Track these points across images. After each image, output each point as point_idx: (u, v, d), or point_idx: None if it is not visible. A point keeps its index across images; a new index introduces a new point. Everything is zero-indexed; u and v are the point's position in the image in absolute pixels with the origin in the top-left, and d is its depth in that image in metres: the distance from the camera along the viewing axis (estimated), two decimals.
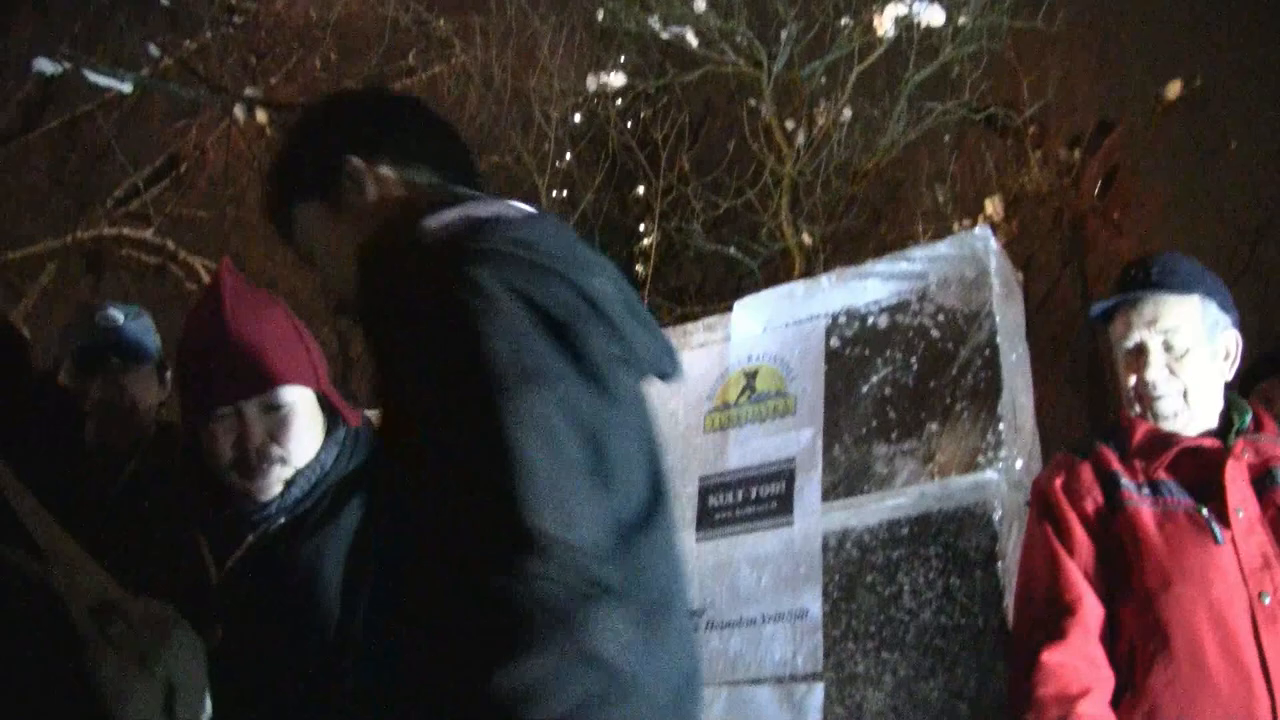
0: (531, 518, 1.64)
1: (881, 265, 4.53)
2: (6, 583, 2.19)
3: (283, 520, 2.73)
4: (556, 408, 1.73)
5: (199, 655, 2.25)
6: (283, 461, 2.71)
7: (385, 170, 2.20)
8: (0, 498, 2.25)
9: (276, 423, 2.71)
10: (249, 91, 10.73)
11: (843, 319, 4.58)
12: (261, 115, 10.32)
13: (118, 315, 3.91)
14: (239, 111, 10.26)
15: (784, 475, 4.48)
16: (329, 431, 2.80)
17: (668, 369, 2.08)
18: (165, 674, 2.18)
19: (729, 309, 4.88)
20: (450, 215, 1.91)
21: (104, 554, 2.26)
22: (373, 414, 2.58)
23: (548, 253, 1.82)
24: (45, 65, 9.08)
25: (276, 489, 2.72)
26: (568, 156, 12.42)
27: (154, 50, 10.29)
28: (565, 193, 12.48)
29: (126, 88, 9.43)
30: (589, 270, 1.86)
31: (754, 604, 4.38)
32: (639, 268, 14.12)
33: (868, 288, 4.55)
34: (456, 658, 1.65)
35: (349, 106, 2.38)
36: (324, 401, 2.79)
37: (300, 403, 2.74)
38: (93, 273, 15.77)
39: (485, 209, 1.93)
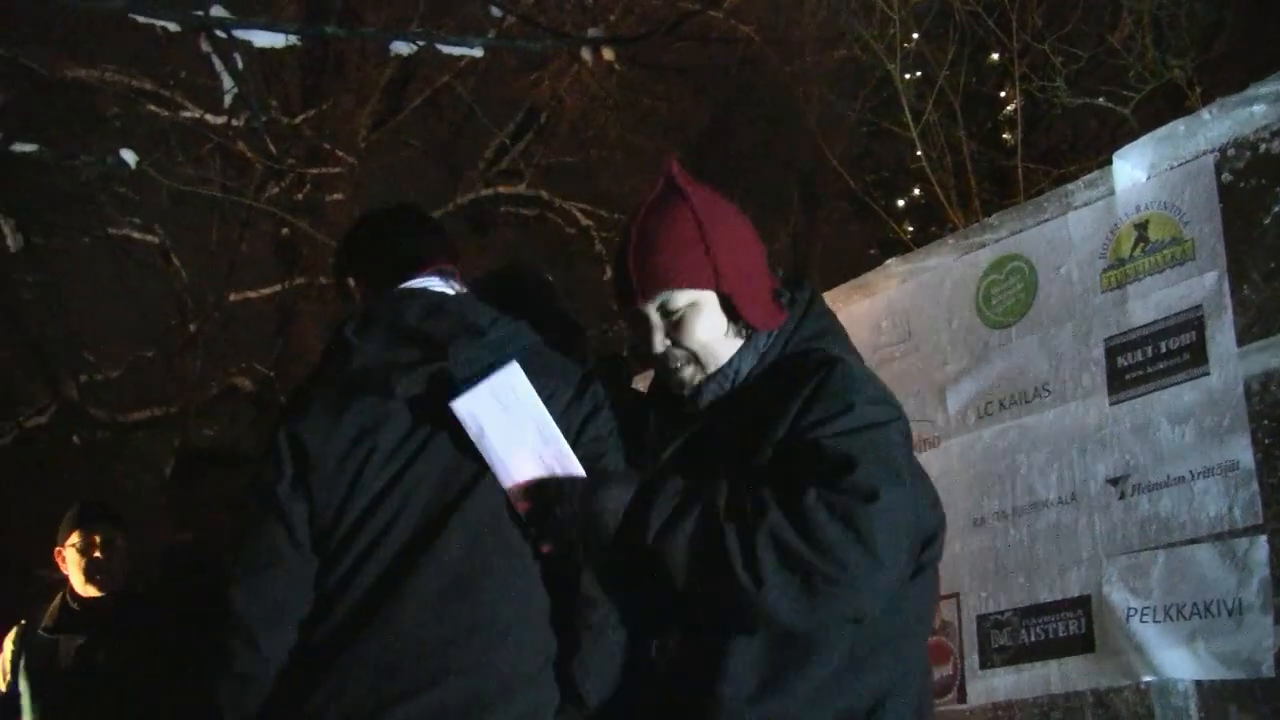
0: None
1: (1266, 87, 4.26)
2: None
3: (699, 427, 2.85)
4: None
5: None
6: (691, 361, 2.80)
7: (361, 284, 3.19)
8: None
9: (673, 325, 2.79)
10: (592, 32, 10.90)
11: (1232, 151, 4.34)
12: (608, 53, 10.47)
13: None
14: (586, 54, 10.44)
15: (1192, 324, 4.31)
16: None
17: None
18: None
19: (1108, 162, 4.70)
20: None
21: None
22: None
23: (276, 419, 2.95)
24: (400, 47, 9.46)
25: (693, 387, 2.86)
26: (915, 36, 12.14)
27: (496, 11, 10.58)
28: (919, 73, 12.22)
29: (477, 52, 9.72)
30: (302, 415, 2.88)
31: (1180, 461, 4.24)
32: (1006, 136, 13.71)
33: (1254, 114, 4.29)
34: None
35: (346, 238, 3.34)
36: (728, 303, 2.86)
37: (699, 305, 2.81)
38: (478, 233, 16.46)
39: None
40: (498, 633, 2.72)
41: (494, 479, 2.78)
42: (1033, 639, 4.55)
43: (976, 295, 5.02)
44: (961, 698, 4.74)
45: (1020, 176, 11.73)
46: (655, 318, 2.83)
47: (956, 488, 4.82)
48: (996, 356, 4.90)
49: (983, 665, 4.71)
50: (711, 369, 2.85)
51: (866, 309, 5.45)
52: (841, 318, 5.33)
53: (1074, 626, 4.44)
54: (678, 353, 2.84)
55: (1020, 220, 4.98)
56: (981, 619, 4.74)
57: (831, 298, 5.53)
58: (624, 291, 2.87)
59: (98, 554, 5.30)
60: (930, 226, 13.49)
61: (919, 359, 5.16)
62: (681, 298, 2.80)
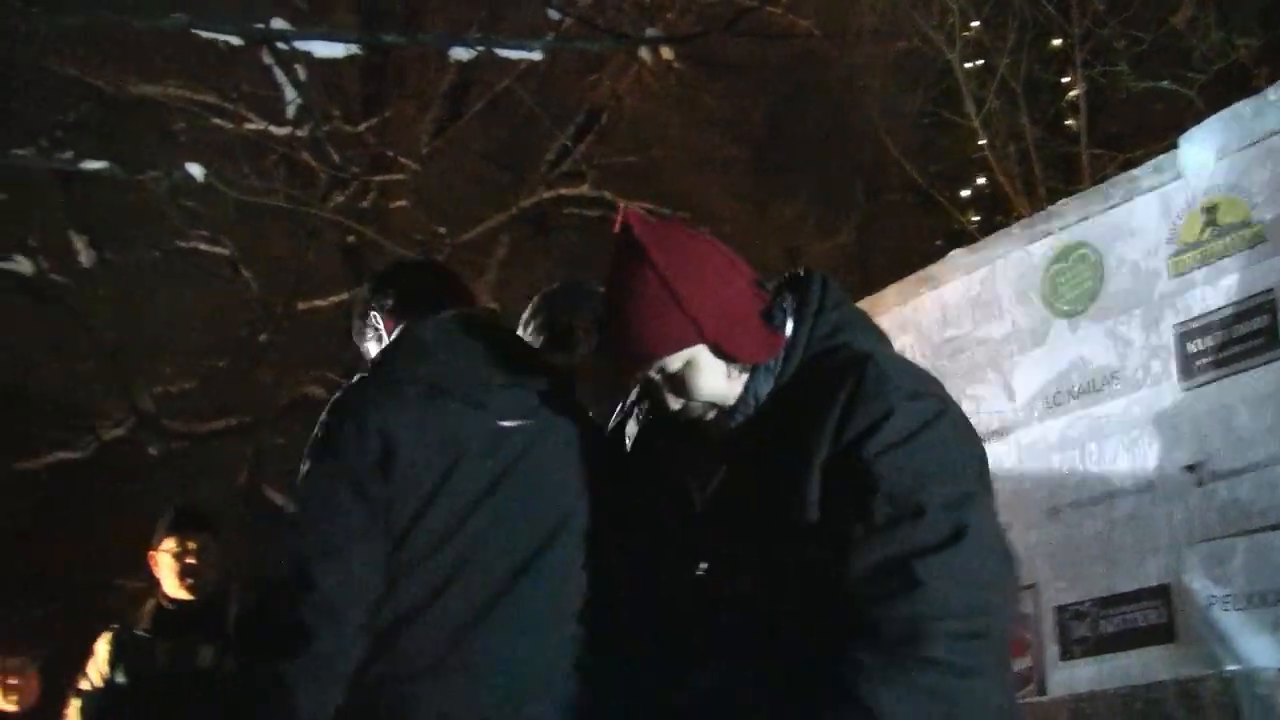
0: None
1: None
2: None
3: (734, 457, 2.78)
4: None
5: None
6: (709, 408, 2.78)
7: (392, 318, 3.37)
8: None
9: (679, 384, 2.76)
10: (650, 31, 10.91)
11: None
12: (667, 52, 10.47)
13: None
14: (644, 53, 10.45)
15: (1266, 307, 4.25)
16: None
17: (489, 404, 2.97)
18: None
19: (1174, 146, 4.65)
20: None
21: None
22: None
23: (349, 401, 2.98)
24: (460, 52, 9.51)
25: (719, 428, 2.79)
26: (974, 24, 12.08)
27: (553, 14, 10.61)
28: (980, 62, 12.15)
29: (536, 55, 9.77)
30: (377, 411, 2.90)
31: (1258, 446, 4.19)
32: (1070, 122, 13.59)
33: None
34: None
35: (376, 278, 3.58)
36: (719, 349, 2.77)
37: (693, 362, 2.73)
38: (542, 237, 16.52)
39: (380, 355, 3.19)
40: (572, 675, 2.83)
41: (585, 511, 2.90)
42: (1112, 629, 4.50)
43: (1043, 284, 4.98)
44: (1041, 690, 4.71)
45: (1085, 163, 11.64)
46: (658, 380, 2.80)
47: (1029, 479, 4.79)
48: (1065, 345, 4.86)
49: (1063, 657, 4.67)
50: (731, 404, 2.80)
51: (933, 301, 5.42)
52: (908, 310, 5.38)
53: (1154, 616, 4.39)
54: (693, 405, 2.78)
55: (1086, 207, 4.94)
56: (1060, 610, 4.70)
57: (898, 290, 5.52)
58: (619, 366, 2.83)
59: (190, 560, 5.48)
60: (995, 216, 13.42)
61: (986, 350, 5.13)
62: (674, 362, 2.72)
